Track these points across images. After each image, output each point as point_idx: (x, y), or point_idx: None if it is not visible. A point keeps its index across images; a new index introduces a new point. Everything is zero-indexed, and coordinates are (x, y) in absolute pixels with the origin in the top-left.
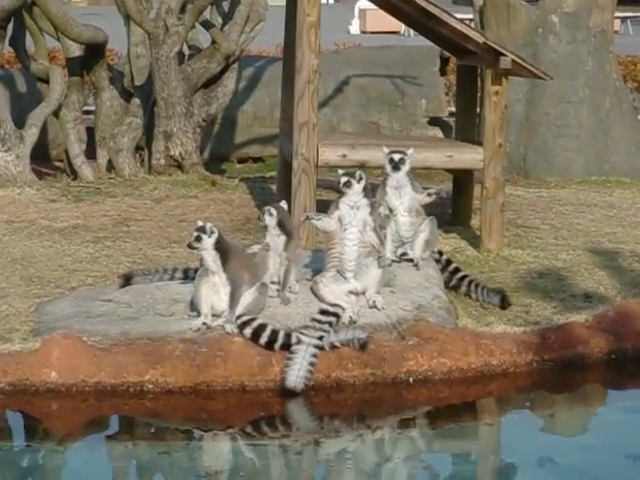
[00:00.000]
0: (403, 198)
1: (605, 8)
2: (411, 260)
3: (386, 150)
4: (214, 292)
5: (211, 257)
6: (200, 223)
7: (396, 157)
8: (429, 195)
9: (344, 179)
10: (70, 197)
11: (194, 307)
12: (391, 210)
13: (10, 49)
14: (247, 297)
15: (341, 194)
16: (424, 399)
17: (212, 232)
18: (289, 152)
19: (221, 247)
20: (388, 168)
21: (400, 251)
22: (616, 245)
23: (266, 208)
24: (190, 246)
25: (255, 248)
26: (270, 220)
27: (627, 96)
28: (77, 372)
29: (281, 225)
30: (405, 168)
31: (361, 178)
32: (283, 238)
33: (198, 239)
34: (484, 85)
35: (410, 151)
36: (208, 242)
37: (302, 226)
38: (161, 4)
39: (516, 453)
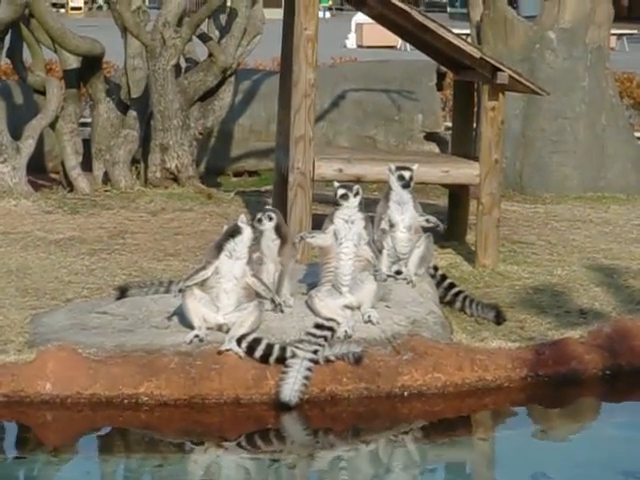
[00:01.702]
0: (405, 215)
1: (601, 25)
2: (405, 278)
3: (392, 166)
4: (202, 304)
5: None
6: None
7: (407, 175)
8: (427, 222)
9: (341, 191)
10: (66, 209)
11: (187, 323)
12: (392, 225)
13: (7, 61)
14: (248, 316)
15: (336, 207)
16: (418, 414)
17: (271, 218)
18: (285, 166)
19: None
20: (396, 185)
21: (395, 268)
22: (611, 261)
23: (266, 213)
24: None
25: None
26: (269, 224)
27: (623, 112)
28: (72, 384)
29: (277, 229)
30: (412, 185)
31: (357, 193)
32: (278, 242)
33: (270, 218)
34: (481, 100)
35: (415, 167)
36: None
37: (299, 245)
38: (158, 17)
39: (510, 468)
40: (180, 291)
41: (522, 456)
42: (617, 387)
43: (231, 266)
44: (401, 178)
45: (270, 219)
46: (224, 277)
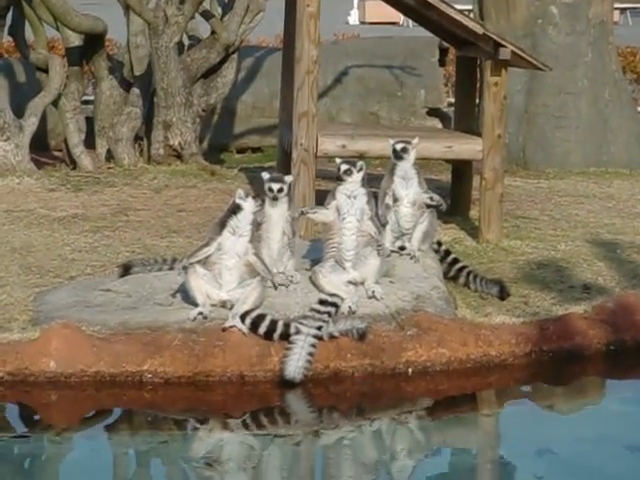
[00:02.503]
0: (409, 190)
1: None
2: (409, 254)
3: (391, 141)
4: (205, 281)
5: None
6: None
7: (398, 146)
8: (431, 199)
9: (345, 167)
10: (69, 187)
11: (190, 300)
12: (396, 200)
13: (9, 38)
14: (251, 293)
15: (339, 183)
16: (423, 390)
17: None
18: (288, 142)
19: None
20: (392, 157)
21: (398, 243)
22: (615, 236)
23: (285, 179)
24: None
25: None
26: (287, 188)
27: (626, 87)
28: (76, 362)
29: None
30: (409, 157)
31: (361, 168)
32: (286, 199)
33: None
34: (483, 76)
35: (415, 140)
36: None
37: (299, 220)
38: None
39: (515, 444)
40: (184, 268)
41: (527, 432)
42: (621, 362)
43: (234, 243)
44: (393, 150)
45: (286, 182)
46: (227, 254)
